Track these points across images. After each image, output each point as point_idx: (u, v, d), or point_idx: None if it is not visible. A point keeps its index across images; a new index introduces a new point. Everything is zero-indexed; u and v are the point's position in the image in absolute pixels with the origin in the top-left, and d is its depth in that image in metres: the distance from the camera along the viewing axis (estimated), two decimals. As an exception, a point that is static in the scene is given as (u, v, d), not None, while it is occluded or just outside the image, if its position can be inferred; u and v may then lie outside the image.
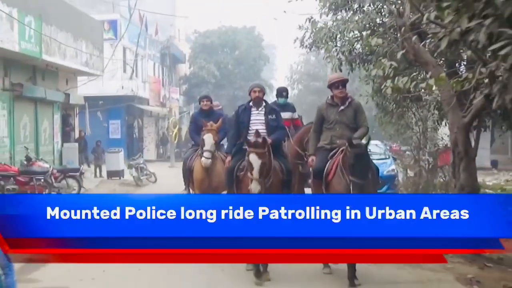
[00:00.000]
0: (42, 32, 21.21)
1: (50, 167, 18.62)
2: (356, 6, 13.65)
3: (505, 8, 5.07)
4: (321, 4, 14.38)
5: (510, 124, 13.26)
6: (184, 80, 54.78)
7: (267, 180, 9.48)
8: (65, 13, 24.18)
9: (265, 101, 10.54)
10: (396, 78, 9.48)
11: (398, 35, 11.42)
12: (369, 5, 13.27)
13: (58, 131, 25.94)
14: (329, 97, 10.08)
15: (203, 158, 11.72)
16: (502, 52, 5.12)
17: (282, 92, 13.39)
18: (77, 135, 28.65)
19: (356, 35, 13.52)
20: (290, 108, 13.45)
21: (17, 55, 20.18)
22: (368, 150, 9.37)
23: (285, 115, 12.45)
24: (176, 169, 34.43)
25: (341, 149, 9.40)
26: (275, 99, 13.57)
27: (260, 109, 10.34)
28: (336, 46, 14.13)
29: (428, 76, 11.63)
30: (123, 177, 26.52)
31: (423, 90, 11.92)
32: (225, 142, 11.98)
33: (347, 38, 13.65)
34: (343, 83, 9.95)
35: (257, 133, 9.71)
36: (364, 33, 12.83)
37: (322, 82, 43.31)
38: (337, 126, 9.86)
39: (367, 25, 13.10)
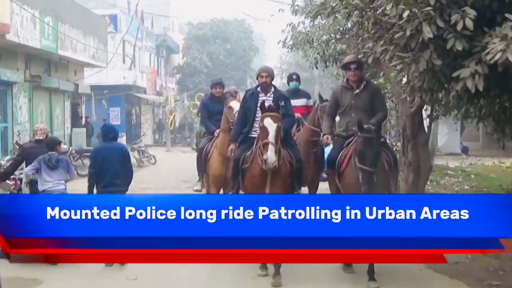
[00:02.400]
0: (58, 30, 24.25)
1: (69, 148, 21.74)
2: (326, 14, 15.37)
3: (401, 40, 8.26)
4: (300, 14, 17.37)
5: (464, 113, 15.87)
6: (177, 70, 57.97)
7: (278, 159, 8.83)
8: (77, 12, 27.34)
9: (274, 86, 10.00)
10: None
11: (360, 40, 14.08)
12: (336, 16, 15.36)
13: (68, 118, 29.06)
14: (344, 80, 9.81)
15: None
16: (398, 67, 8.42)
17: (292, 76, 13.01)
18: (84, 122, 31.78)
19: (327, 39, 16.39)
20: (304, 94, 13.08)
21: (38, 51, 23.22)
22: (383, 137, 9.12)
23: (299, 102, 12.37)
24: (172, 153, 38.00)
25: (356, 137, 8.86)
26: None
27: (268, 94, 9.78)
28: (312, 47, 17.20)
29: (381, 75, 14.89)
30: (125, 159, 29.69)
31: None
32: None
33: (320, 42, 16.59)
34: (355, 64, 9.48)
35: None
36: (333, 38, 15.57)
37: (309, 73, 46.45)
38: (352, 111, 9.42)
39: (334, 34, 15.51)
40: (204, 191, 12.25)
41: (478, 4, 8.12)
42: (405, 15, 8.02)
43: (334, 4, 10.09)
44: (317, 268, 9.07)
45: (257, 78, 10.02)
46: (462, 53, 8.17)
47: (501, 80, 8.85)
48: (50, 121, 26.80)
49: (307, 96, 13.00)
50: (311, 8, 15.03)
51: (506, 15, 7.84)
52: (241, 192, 9.61)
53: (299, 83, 13.02)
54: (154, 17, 49.61)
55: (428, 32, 7.95)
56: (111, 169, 10.35)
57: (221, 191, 11.58)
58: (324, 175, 11.04)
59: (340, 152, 9.27)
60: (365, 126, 8.52)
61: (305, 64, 20.91)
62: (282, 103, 9.48)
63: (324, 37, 16.24)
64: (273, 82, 11.02)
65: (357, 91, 9.40)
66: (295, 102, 11.77)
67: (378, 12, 8.65)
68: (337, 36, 15.74)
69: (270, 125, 8.80)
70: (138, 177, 14.41)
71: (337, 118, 10.04)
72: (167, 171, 26.16)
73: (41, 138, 11.21)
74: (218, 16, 60.87)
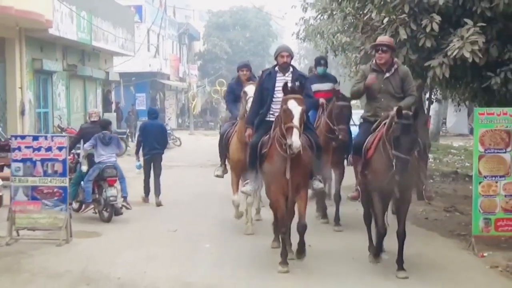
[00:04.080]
0: (92, 23, 26.57)
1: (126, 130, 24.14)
2: (326, 16, 16.96)
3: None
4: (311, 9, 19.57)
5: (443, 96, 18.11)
6: (199, 56, 60.37)
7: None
8: (108, 5, 29.64)
9: (293, 66, 9.55)
10: (357, 65, 14.72)
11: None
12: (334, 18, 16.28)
13: (100, 103, 31.45)
14: (373, 60, 9.22)
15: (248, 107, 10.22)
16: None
17: (320, 61, 12.60)
18: (114, 106, 34.17)
19: (334, 32, 18.54)
20: (331, 78, 12.62)
21: (74, 42, 25.54)
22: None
23: (326, 86, 12.03)
24: (194, 136, 40.47)
25: (383, 122, 8.51)
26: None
27: (287, 74, 9.32)
28: (323, 38, 19.44)
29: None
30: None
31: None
32: None
33: (328, 34, 18.78)
34: (385, 47, 8.94)
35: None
36: (338, 31, 17.72)
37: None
38: (381, 96, 8.98)
39: (340, 27, 17.63)
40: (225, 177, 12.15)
41: (444, 10, 10.37)
42: (385, 21, 10.35)
43: (333, 7, 12.34)
44: (344, 259, 9.46)
45: (275, 58, 9.52)
46: (432, 49, 10.46)
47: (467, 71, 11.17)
48: (84, 106, 29.18)
49: (334, 80, 12.46)
50: (319, 6, 17.28)
51: (465, 19, 10.11)
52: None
53: (327, 68, 12.69)
54: (176, 6, 51.84)
55: (403, 34, 10.30)
56: (153, 138, 14.86)
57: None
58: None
59: (366, 138, 8.90)
60: (403, 112, 8.06)
61: (316, 53, 23.05)
62: (303, 83, 8.99)
63: (332, 30, 18.38)
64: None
65: (387, 74, 8.94)
66: (322, 86, 11.89)
67: (365, 18, 10.93)
68: (345, 28, 17.83)
69: (295, 107, 8.32)
70: (166, 157, 16.79)
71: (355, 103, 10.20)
72: (192, 152, 28.56)
73: (95, 119, 13.61)
74: (237, 3, 63.06)
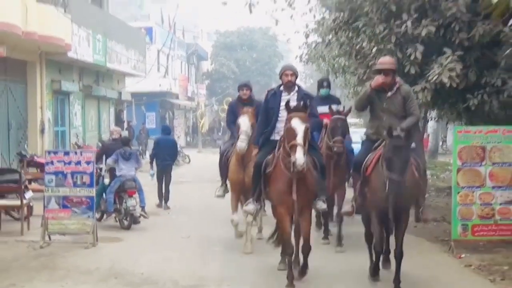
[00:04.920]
0: (107, 45, 28.08)
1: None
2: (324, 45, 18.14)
3: (374, 66, 11.94)
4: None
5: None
6: (206, 76, 62.00)
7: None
8: (121, 29, 31.18)
9: (298, 85, 9.59)
10: (355, 87, 16.10)
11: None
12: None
13: (112, 122, 32.88)
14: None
15: (238, 142, 10.70)
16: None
17: (323, 83, 12.78)
18: (126, 125, 35.59)
19: (335, 55, 19.85)
20: (334, 100, 12.68)
21: (90, 64, 27.02)
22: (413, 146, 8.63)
23: (327, 108, 11.82)
24: (202, 154, 41.86)
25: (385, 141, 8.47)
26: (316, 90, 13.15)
27: (292, 93, 9.37)
28: (324, 61, 20.80)
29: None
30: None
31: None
32: None
33: (329, 57, 20.11)
34: (388, 71, 9.03)
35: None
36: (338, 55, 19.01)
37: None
38: (384, 115, 9.00)
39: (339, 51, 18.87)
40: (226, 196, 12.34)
41: (426, 41, 11.76)
42: (374, 49, 11.76)
43: (330, 37, 13.75)
44: (346, 280, 9.55)
45: (280, 77, 9.55)
46: (416, 75, 11.85)
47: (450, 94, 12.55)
48: (99, 125, 30.66)
49: (337, 102, 12.56)
50: (320, 32, 18.58)
51: (445, 48, 11.50)
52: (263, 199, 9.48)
53: (330, 89, 12.80)
54: (184, 27, 53.45)
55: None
56: (165, 151, 17.61)
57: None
58: None
59: (366, 156, 8.96)
60: (394, 133, 8.10)
61: (319, 75, 24.40)
62: (307, 103, 8.90)
63: (332, 54, 19.69)
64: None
65: (390, 93, 9.01)
66: (323, 109, 11.73)
67: (358, 46, 12.35)
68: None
69: (298, 125, 8.27)
70: (176, 174, 18.45)
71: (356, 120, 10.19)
72: (201, 168, 29.87)
73: (116, 137, 15.07)
74: (244, 24, 64.73)
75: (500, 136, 11.38)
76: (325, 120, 11.53)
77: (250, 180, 10.28)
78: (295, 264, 9.17)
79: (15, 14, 17.62)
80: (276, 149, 8.90)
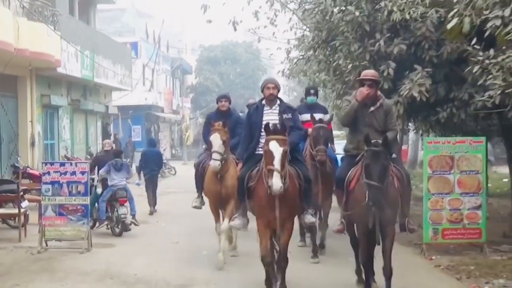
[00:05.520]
0: (95, 61, 28.84)
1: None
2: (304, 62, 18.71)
3: (349, 82, 12.83)
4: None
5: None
6: (191, 89, 62.89)
7: (284, 184, 8.21)
8: (108, 45, 31.97)
9: (280, 99, 9.39)
10: (334, 100, 16.90)
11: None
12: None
13: (99, 135, 33.62)
14: (356, 92, 9.17)
15: (211, 161, 10.74)
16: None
17: (309, 90, 12.80)
18: (113, 138, 36.30)
19: (315, 70, 20.60)
20: (321, 109, 12.71)
21: (78, 79, 27.76)
22: (391, 155, 8.60)
23: (316, 116, 11.80)
24: (188, 166, 42.28)
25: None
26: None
27: (273, 107, 9.22)
28: (305, 76, 21.60)
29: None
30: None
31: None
32: None
33: (310, 73, 20.86)
34: (371, 82, 8.93)
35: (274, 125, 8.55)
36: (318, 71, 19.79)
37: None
38: (365, 130, 8.79)
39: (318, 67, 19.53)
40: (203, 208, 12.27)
41: (398, 58, 12.61)
42: (350, 66, 12.61)
43: (309, 54, 14.61)
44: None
45: (262, 91, 9.42)
46: (389, 90, 12.69)
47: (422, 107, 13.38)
48: (86, 138, 31.38)
49: (324, 111, 12.59)
50: (301, 48, 19.31)
51: (415, 65, 12.35)
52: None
53: (317, 97, 12.88)
54: (169, 41, 54.28)
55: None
56: (152, 162, 19.45)
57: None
58: None
59: (349, 171, 8.86)
60: (372, 141, 8.12)
61: (301, 89, 25.15)
62: (289, 116, 9.09)
63: (312, 69, 20.48)
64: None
65: (372, 108, 8.91)
66: (309, 117, 11.85)
67: (335, 64, 13.24)
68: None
69: (276, 149, 8.18)
70: (163, 184, 19.38)
71: (340, 133, 10.12)
72: (186, 179, 30.37)
73: (108, 149, 15.87)
74: (228, 38, 65.61)
75: (467, 146, 12.28)
76: (309, 130, 11.57)
77: (226, 192, 10.91)
78: (271, 274, 9.11)
79: (8, 32, 18.31)
80: (261, 162, 8.70)
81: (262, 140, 8.87)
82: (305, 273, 10.67)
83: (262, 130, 8.86)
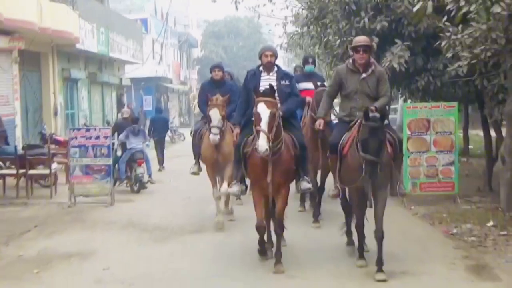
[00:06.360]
0: (109, 37, 29.66)
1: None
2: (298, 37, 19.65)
3: (338, 55, 13.72)
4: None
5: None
6: (197, 62, 63.67)
7: (275, 145, 7.97)
8: (121, 22, 32.83)
9: (277, 66, 9.05)
10: (328, 71, 17.75)
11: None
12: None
13: (114, 105, 34.54)
14: (350, 60, 8.67)
15: (211, 135, 10.53)
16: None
17: (307, 59, 12.60)
18: (126, 108, 37.22)
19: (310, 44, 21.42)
20: (318, 77, 12.52)
21: (95, 54, 28.61)
22: (386, 123, 8.13)
23: (311, 84, 11.67)
24: (195, 132, 43.33)
25: (359, 120, 7.99)
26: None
27: (271, 74, 8.86)
28: (301, 49, 22.50)
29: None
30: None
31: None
32: None
33: (306, 46, 21.77)
34: (365, 48, 8.41)
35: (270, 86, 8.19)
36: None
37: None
38: (357, 96, 8.44)
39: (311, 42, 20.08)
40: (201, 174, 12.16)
41: (381, 33, 13.44)
42: (338, 42, 13.47)
43: (304, 30, 15.49)
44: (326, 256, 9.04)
45: (260, 58, 9.04)
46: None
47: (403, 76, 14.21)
48: (102, 107, 32.30)
49: (321, 79, 12.33)
50: (297, 23, 20.18)
51: (396, 40, 13.18)
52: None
53: (315, 66, 12.72)
54: (176, 17, 54.93)
55: (350, 51, 13.33)
56: (160, 126, 21.42)
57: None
58: None
59: (341, 136, 8.40)
60: (370, 115, 7.65)
61: (297, 61, 26.02)
62: (287, 82, 8.78)
63: (307, 42, 21.33)
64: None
65: (364, 75, 8.45)
66: (309, 85, 11.74)
67: (325, 39, 14.12)
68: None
69: (264, 111, 7.88)
70: (172, 150, 20.41)
71: (337, 101, 9.27)
72: (193, 145, 31.56)
73: (126, 116, 16.83)
74: (231, 13, 66.24)
75: (442, 110, 13.25)
76: (308, 98, 11.40)
77: (223, 158, 10.73)
78: (268, 246, 8.98)
79: (32, 12, 19.18)
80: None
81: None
82: (305, 237, 10.43)
83: None
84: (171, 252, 9.58)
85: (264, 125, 7.82)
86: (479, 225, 11.12)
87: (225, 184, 10.94)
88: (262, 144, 7.73)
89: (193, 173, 12.15)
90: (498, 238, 10.21)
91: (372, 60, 8.64)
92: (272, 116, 7.88)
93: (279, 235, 8.60)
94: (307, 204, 12.77)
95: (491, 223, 11.11)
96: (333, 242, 9.77)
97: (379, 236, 8.07)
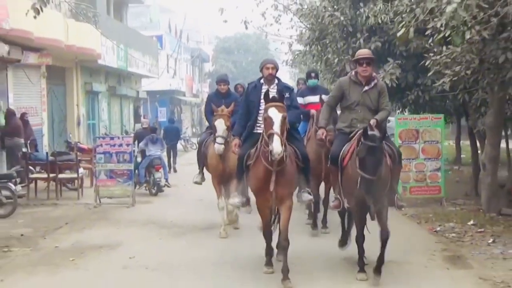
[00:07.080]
0: (128, 53, 30.65)
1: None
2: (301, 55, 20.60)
3: (337, 72, 14.62)
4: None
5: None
6: (208, 75, 64.76)
7: (285, 152, 7.65)
8: (138, 39, 33.82)
9: (278, 78, 8.85)
10: (328, 86, 18.63)
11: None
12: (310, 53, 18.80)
13: (132, 116, 35.54)
14: (353, 73, 8.50)
15: (216, 145, 10.37)
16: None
17: (310, 74, 12.42)
18: (143, 119, 38.22)
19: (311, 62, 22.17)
20: (322, 90, 12.17)
21: (115, 69, 29.59)
22: (387, 135, 8.00)
23: (316, 98, 11.42)
24: (207, 142, 44.29)
25: (359, 132, 7.82)
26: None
27: (271, 86, 8.61)
28: (306, 65, 23.33)
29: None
30: (175, 146, 36.51)
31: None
32: None
33: (309, 63, 22.56)
34: (368, 60, 8.27)
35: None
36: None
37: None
38: (359, 108, 8.30)
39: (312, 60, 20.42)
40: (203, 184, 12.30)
41: (375, 52, 14.21)
42: (336, 60, 14.36)
43: (306, 49, 16.40)
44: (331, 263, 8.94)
45: (261, 70, 8.84)
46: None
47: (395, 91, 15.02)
48: (121, 118, 33.37)
49: (325, 93, 11.83)
50: (302, 42, 21.02)
51: (388, 58, 14.02)
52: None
53: (318, 80, 12.54)
54: (188, 33, 56.00)
55: (348, 69, 14.19)
56: (172, 135, 23.38)
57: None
58: None
59: (342, 148, 8.19)
60: (369, 133, 7.52)
61: (302, 76, 26.90)
62: (287, 95, 8.46)
63: (309, 60, 22.10)
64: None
65: (367, 88, 8.30)
66: (313, 98, 11.65)
67: (325, 58, 15.02)
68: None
69: (275, 115, 7.63)
70: (185, 158, 21.18)
71: (339, 112, 9.07)
72: (206, 154, 32.48)
73: (146, 126, 17.78)
74: (241, 30, 67.37)
75: (430, 122, 14.18)
76: (312, 111, 11.20)
77: (228, 168, 10.37)
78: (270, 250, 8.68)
79: (59, 31, 20.11)
80: (259, 141, 8.08)
81: (260, 118, 8.38)
82: (311, 245, 10.28)
83: (260, 108, 8.40)
84: (187, 245, 10.52)
85: (277, 128, 7.60)
86: (461, 223, 12.02)
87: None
88: (277, 145, 7.46)
89: (196, 183, 12.31)
90: (476, 234, 11.08)
91: (374, 74, 8.59)
92: (283, 120, 7.70)
93: (285, 249, 8.06)
94: (307, 212, 12.29)
95: (471, 222, 11.99)
96: (337, 252, 9.44)
97: (384, 234, 7.95)
